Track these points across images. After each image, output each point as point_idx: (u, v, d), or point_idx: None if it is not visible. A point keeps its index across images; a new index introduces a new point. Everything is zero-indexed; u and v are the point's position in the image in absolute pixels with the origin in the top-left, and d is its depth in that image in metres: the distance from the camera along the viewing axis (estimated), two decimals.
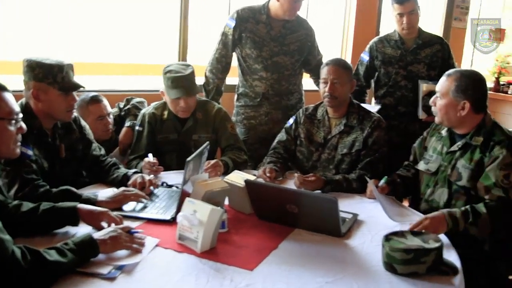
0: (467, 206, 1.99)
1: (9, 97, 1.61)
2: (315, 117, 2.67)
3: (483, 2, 5.82)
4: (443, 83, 2.17)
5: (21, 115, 1.66)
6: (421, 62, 3.21)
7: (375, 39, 3.38)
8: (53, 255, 1.41)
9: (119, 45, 4.07)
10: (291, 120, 2.74)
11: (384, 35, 3.36)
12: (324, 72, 2.56)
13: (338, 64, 2.56)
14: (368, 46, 3.38)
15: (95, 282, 1.43)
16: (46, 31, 3.60)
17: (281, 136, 2.73)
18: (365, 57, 3.36)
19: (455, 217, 1.93)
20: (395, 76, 3.21)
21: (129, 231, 1.67)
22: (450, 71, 2.20)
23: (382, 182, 2.30)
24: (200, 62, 3.37)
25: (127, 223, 1.78)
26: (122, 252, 1.60)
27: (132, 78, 4.19)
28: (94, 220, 1.75)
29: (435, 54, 3.23)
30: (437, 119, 2.23)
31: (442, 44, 3.29)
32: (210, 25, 3.90)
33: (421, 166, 2.33)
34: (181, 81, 2.53)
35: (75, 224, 1.74)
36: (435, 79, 3.11)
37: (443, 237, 1.87)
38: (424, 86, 3.14)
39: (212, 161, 2.41)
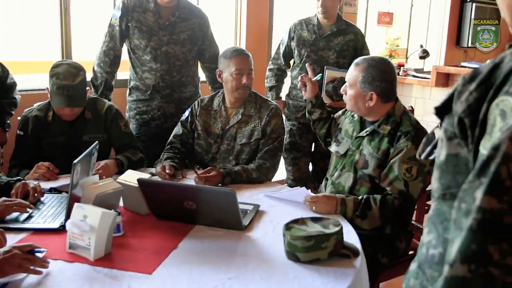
0: (364, 197, 2.05)
1: None
2: (211, 108, 2.61)
3: None
4: (351, 73, 2.17)
5: None
6: (331, 49, 3.28)
7: (296, 20, 3.41)
8: None
9: None
10: (186, 113, 2.65)
11: (305, 18, 3.39)
12: (236, 63, 2.46)
13: (247, 54, 2.53)
14: (289, 26, 3.41)
15: None
16: None
17: (177, 129, 2.63)
18: (285, 37, 3.42)
19: (345, 205, 2.02)
20: (306, 59, 3.26)
21: (31, 251, 1.46)
22: (358, 60, 2.19)
23: (316, 77, 2.51)
24: (89, 57, 3.15)
25: (10, 237, 1.61)
26: None
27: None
28: None
29: (346, 43, 3.29)
30: (348, 107, 2.25)
31: (356, 34, 3.35)
32: (98, 17, 3.67)
33: (333, 147, 2.36)
34: (67, 90, 2.32)
35: None
36: (344, 67, 3.20)
37: (343, 220, 1.92)
38: (327, 72, 3.21)
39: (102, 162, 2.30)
